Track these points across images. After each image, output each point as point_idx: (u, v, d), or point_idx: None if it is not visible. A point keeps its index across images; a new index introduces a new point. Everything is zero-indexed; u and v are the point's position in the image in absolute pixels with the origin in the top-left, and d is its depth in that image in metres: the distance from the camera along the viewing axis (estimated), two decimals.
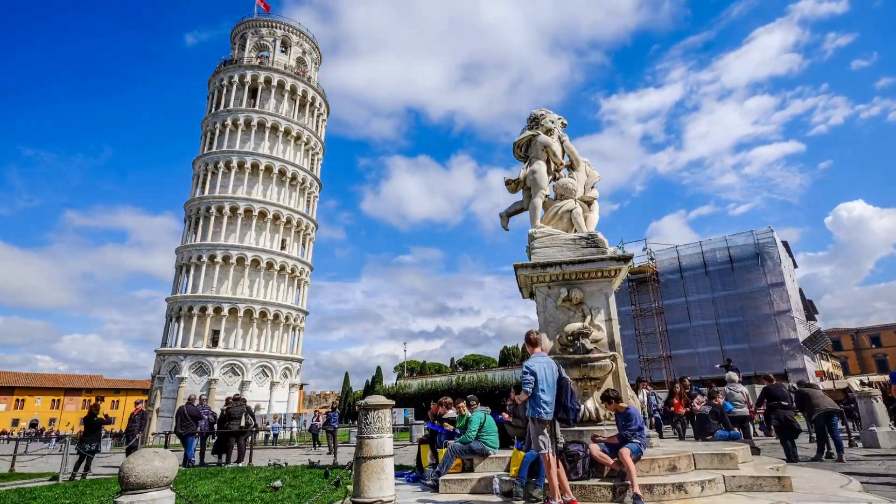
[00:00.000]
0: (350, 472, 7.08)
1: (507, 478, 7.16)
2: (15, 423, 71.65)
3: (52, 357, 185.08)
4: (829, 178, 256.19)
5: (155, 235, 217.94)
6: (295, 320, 53.26)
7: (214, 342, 47.96)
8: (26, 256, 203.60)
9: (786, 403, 11.05)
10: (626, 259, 9.16)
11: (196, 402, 15.57)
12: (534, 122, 10.80)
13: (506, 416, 9.99)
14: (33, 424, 70.62)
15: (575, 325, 8.65)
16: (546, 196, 10.17)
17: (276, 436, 33.48)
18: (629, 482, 6.19)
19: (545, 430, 5.99)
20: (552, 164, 10.54)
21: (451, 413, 10.33)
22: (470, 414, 8.85)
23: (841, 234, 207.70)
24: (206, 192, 51.55)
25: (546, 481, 6.15)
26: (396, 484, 6.92)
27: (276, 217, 52.02)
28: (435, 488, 7.71)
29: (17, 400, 75.11)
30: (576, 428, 7.86)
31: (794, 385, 17.43)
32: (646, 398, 15.95)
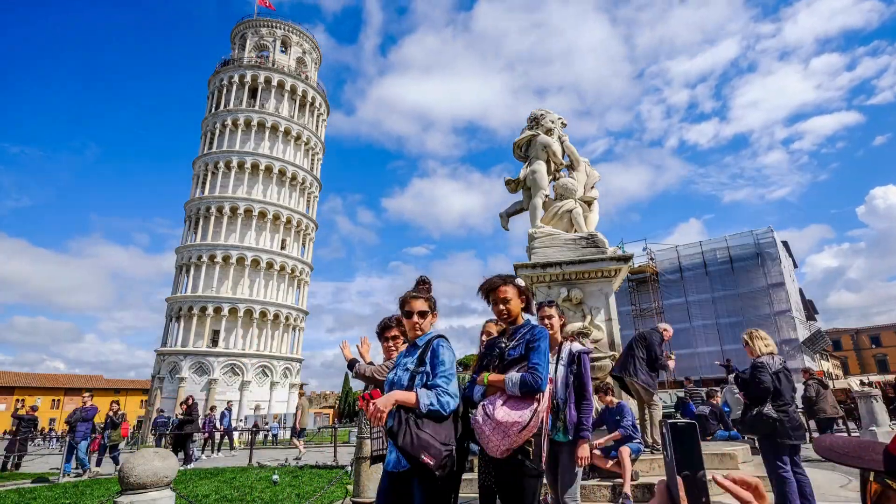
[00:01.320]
0: (349, 472, 7.08)
1: None
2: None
3: (70, 358, 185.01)
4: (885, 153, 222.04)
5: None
6: (295, 320, 53.29)
7: (214, 342, 47.93)
8: (51, 257, 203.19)
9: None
10: (626, 259, 9.16)
11: (88, 404, 15.47)
12: (534, 122, 10.80)
13: None
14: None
15: (575, 325, 8.65)
16: (546, 196, 10.18)
17: (275, 436, 33.47)
18: (622, 481, 6.19)
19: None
20: (552, 164, 10.55)
21: None
22: None
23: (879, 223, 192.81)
24: (207, 192, 51.49)
25: None
26: None
27: (276, 217, 51.98)
28: None
29: (18, 400, 74.94)
30: None
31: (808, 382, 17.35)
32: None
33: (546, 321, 4.26)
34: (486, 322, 5.14)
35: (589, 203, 10.11)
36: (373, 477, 5.88)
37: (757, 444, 6.17)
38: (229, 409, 25.93)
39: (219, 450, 22.82)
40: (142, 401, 69.88)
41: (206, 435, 23.10)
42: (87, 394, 16.17)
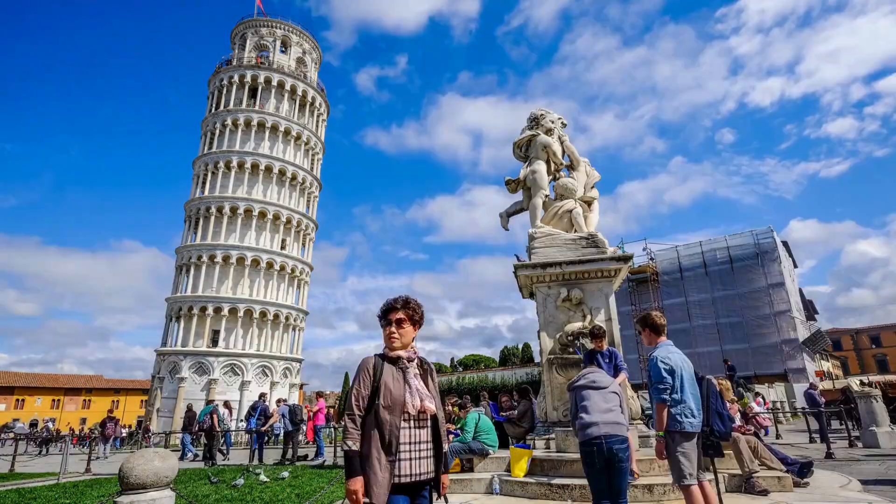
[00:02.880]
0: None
1: (508, 478, 7.16)
2: (15, 423, 71.52)
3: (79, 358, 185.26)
4: None
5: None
6: (295, 320, 53.31)
7: (214, 342, 47.94)
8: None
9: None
10: (626, 259, 9.17)
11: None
12: (534, 122, 10.81)
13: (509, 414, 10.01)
14: (33, 424, 70.53)
15: (575, 325, 8.66)
16: (546, 196, 10.19)
17: (276, 435, 33.42)
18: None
19: (690, 449, 4.42)
20: (552, 164, 10.56)
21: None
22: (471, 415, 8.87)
23: None
24: (206, 192, 51.51)
25: None
26: None
27: (276, 217, 52.01)
28: None
29: (17, 400, 75.00)
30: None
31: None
32: None
33: None
34: None
35: (589, 203, 10.12)
36: None
37: None
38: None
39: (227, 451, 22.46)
40: (142, 401, 70.00)
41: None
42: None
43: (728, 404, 8.10)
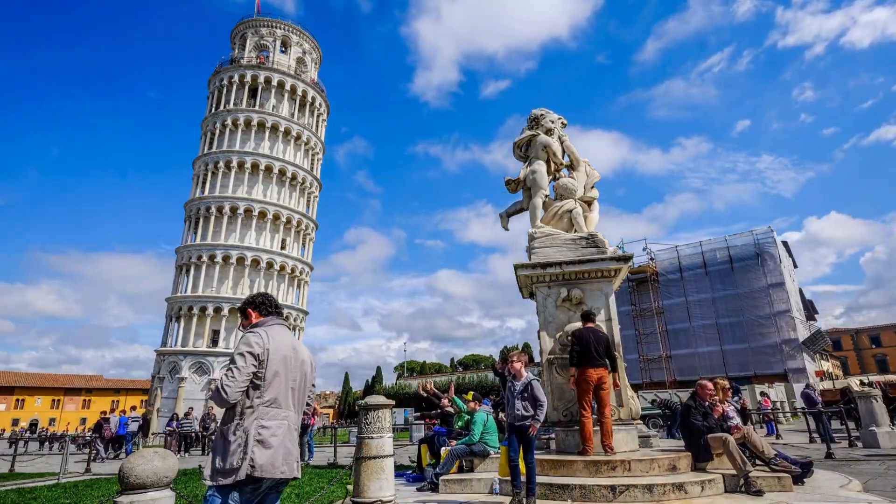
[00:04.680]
0: (349, 472, 7.08)
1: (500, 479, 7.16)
2: (15, 422, 71.57)
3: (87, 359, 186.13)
4: None
5: None
6: (295, 320, 53.38)
7: (214, 342, 48.05)
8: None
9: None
10: (626, 259, 9.16)
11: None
12: (534, 122, 10.81)
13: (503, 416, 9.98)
14: (33, 424, 70.61)
15: (575, 325, 8.65)
16: (546, 196, 10.18)
17: None
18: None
19: None
20: (552, 164, 10.55)
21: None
22: (469, 410, 8.85)
23: None
24: (206, 192, 51.62)
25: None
26: (396, 484, 6.92)
27: (276, 217, 52.13)
28: (435, 488, 7.74)
29: (17, 400, 75.11)
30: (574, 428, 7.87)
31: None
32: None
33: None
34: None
35: (589, 203, 10.11)
36: (373, 476, 5.88)
37: None
38: None
39: None
40: (142, 401, 70.10)
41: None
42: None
43: (722, 405, 8.10)
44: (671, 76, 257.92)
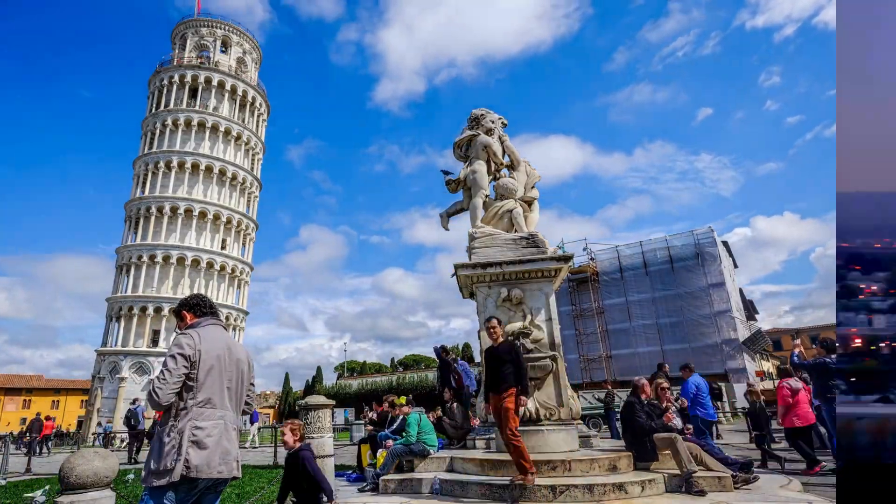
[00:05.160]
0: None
1: (448, 478, 7.04)
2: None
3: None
4: None
5: None
6: (235, 320, 53.27)
7: (155, 342, 47.67)
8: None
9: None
10: (566, 259, 9.16)
11: None
12: (474, 121, 10.74)
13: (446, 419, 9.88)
14: None
15: (515, 325, 8.60)
16: (486, 196, 10.12)
17: None
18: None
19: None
20: (493, 164, 10.50)
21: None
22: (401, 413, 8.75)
23: None
24: (147, 192, 50.97)
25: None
26: (338, 484, 6.75)
27: (217, 217, 51.89)
28: (375, 488, 7.62)
29: None
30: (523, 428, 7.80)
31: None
32: None
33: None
34: None
35: (529, 203, 10.10)
36: None
37: None
38: None
39: None
40: (82, 401, 68.65)
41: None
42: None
43: (669, 411, 8.13)
44: (640, 80, 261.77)
